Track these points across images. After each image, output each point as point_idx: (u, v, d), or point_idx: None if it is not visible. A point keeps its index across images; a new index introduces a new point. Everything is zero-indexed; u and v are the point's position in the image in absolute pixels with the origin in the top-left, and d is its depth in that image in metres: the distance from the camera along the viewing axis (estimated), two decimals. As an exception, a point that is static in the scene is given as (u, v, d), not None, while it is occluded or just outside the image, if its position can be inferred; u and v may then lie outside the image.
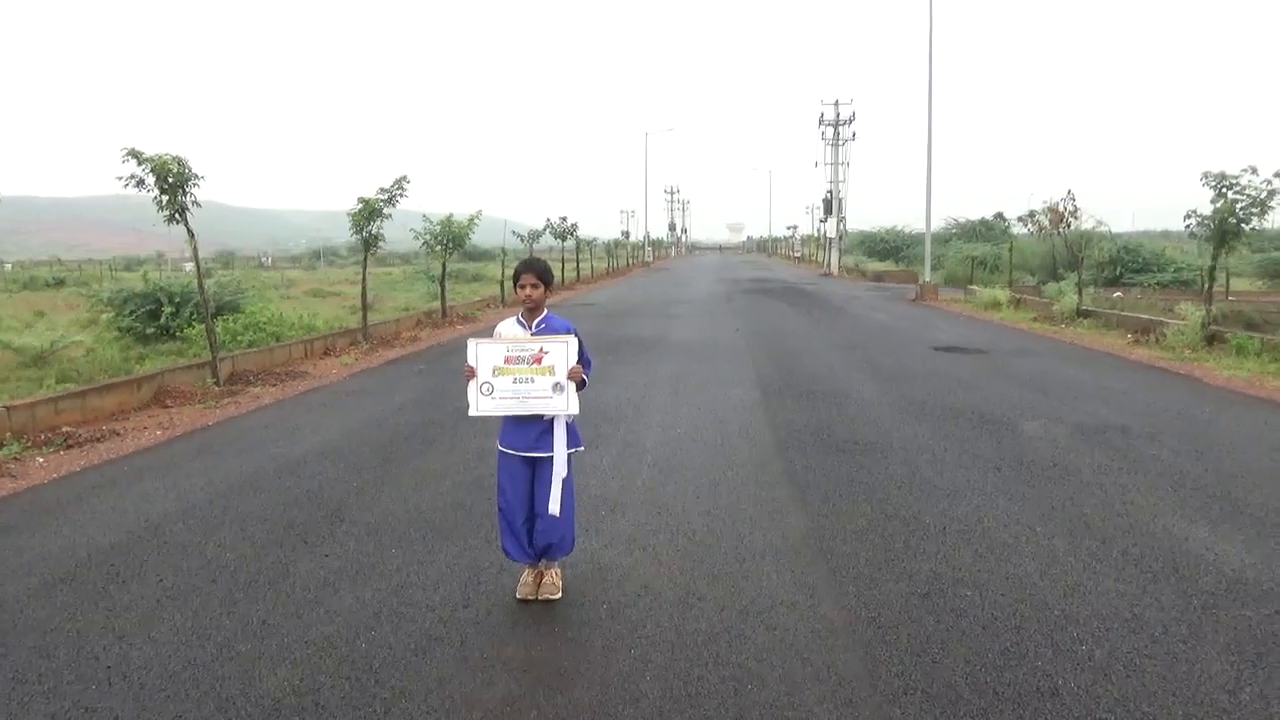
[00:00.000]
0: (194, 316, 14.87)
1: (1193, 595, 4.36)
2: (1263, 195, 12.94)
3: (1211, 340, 13.61)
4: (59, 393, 9.22)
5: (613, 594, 4.45)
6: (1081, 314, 18.69)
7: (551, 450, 4.26)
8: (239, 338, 13.95)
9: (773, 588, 4.51)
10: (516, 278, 4.28)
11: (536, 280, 4.24)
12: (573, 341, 4.19)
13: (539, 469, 4.30)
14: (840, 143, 48.95)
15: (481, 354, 4.14)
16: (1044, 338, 16.58)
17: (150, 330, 15.52)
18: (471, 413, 4.17)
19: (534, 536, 4.30)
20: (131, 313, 15.79)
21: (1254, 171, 13.08)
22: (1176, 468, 6.81)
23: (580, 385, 4.27)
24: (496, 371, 4.12)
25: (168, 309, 15.58)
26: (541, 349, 4.13)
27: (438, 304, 20.93)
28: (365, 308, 16.50)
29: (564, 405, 4.15)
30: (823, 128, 49.23)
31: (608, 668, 3.68)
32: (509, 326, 4.37)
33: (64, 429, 8.51)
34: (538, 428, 4.26)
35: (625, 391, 10.42)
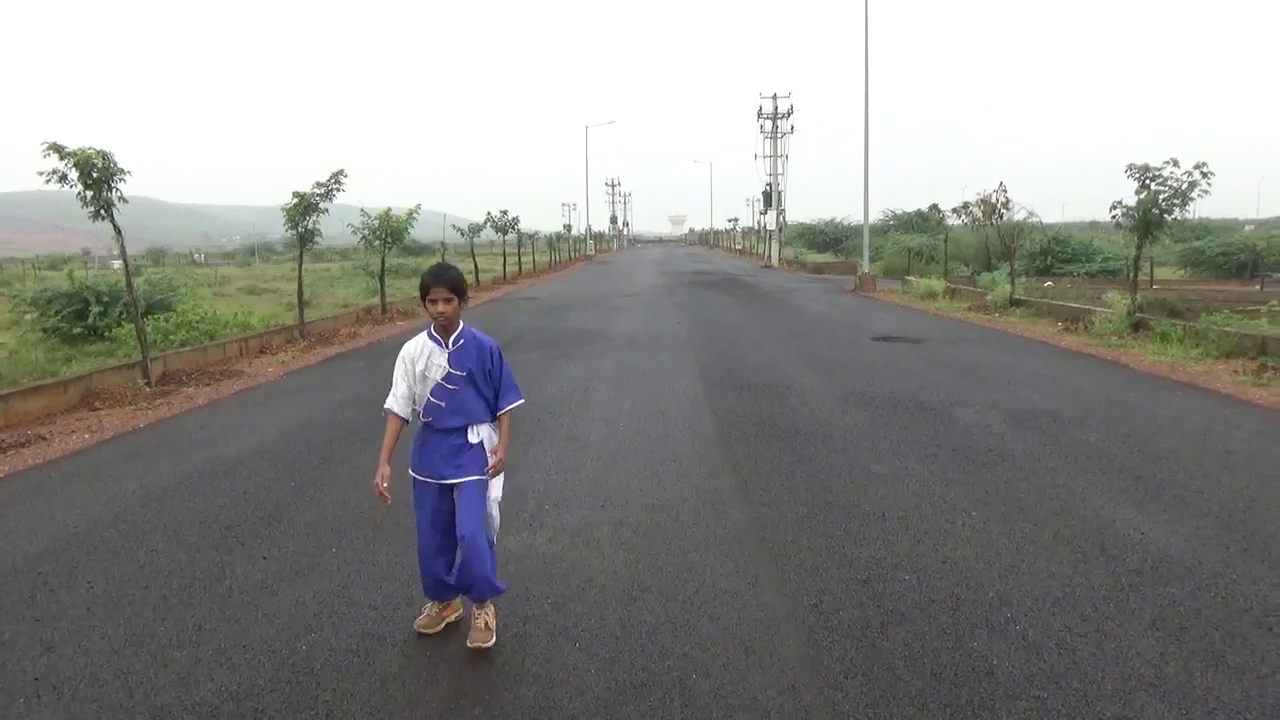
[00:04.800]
0: (123, 316, 14.44)
1: (1121, 574, 4.51)
2: (1183, 186, 13.39)
3: (1137, 327, 14.06)
4: (-21, 396, 8.88)
5: (557, 588, 4.44)
6: (1014, 303, 19.16)
7: (474, 472, 3.79)
8: (171, 337, 13.58)
9: (716, 578, 4.55)
10: (425, 290, 3.68)
11: (449, 293, 3.66)
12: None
13: (461, 495, 3.79)
14: (779, 136, 49.44)
15: None
16: (978, 327, 16.96)
17: (77, 330, 15.03)
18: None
19: (455, 569, 3.86)
20: (57, 313, 15.27)
21: (1175, 164, 13.52)
22: (1105, 451, 7.02)
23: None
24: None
25: (95, 308, 15.10)
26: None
27: (377, 300, 20.65)
28: (302, 304, 16.20)
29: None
30: (761, 121, 49.68)
31: (553, 662, 3.68)
32: (419, 344, 3.84)
33: (-15, 434, 8.20)
34: (456, 447, 3.79)
35: (568, 385, 10.40)
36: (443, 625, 3.97)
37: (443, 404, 3.76)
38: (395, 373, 3.88)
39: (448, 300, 3.67)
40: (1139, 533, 5.11)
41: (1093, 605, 4.13)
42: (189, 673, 3.65)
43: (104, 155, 10.13)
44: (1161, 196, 13.56)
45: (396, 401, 3.87)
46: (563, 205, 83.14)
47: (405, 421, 3.90)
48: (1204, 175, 13.28)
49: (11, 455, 7.63)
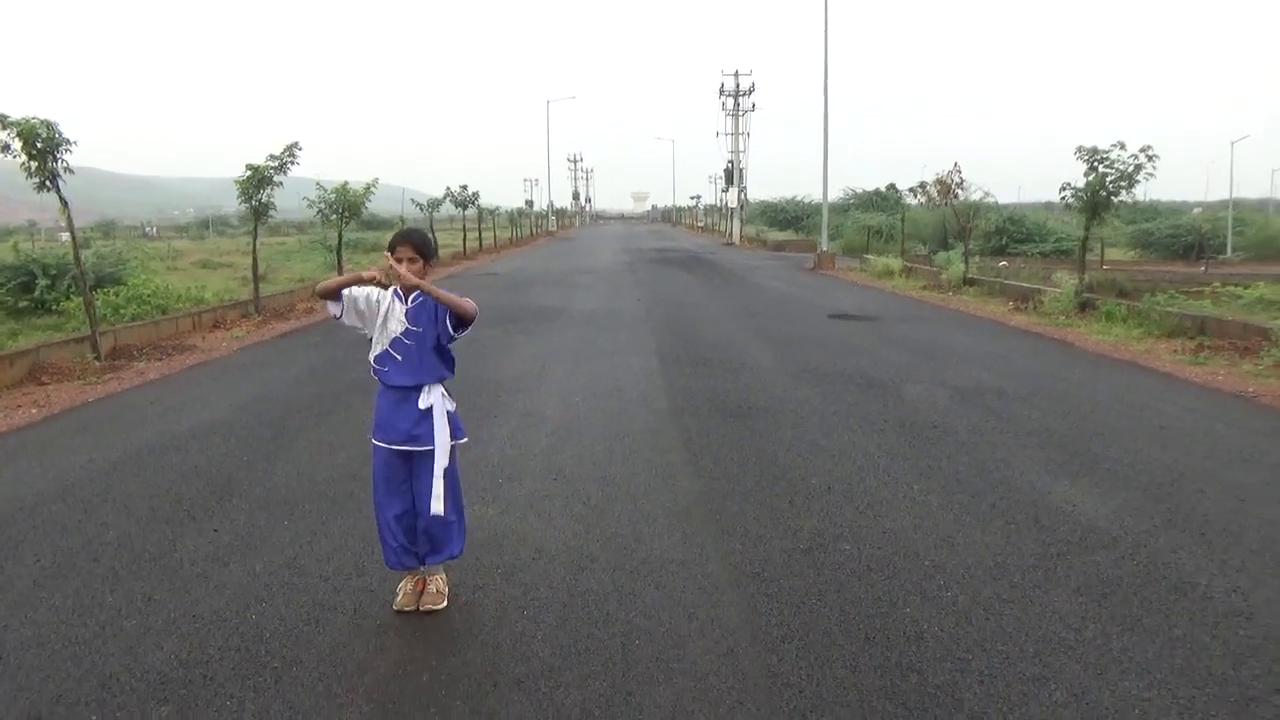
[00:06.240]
0: (71, 289, 14.18)
1: (1050, 544, 4.70)
2: (1130, 169, 13.70)
3: (1084, 307, 14.39)
4: (-78, 370, 8.72)
5: (507, 558, 4.53)
6: (967, 282, 19.48)
7: (430, 443, 3.85)
8: (121, 311, 13.38)
9: (663, 548, 4.66)
10: (391, 249, 3.80)
11: (414, 253, 3.77)
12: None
13: (417, 466, 3.90)
14: (741, 113, 49.47)
15: None
16: (932, 305, 17.24)
17: (23, 304, 14.75)
18: None
19: (417, 538, 3.95)
20: (1, 286, 14.96)
21: (1122, 147, 13.82)
22: (1045, 427, 7.24)
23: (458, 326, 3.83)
24: None
25: (42, 281, 14.83)
26: None
27: (335, 274, 20.44)
28: (256, 279, 16.04)
29: None
30: (723, 98, 49.65)
31: (500, 630, 3.77)
32: (385, 293, 3.93)
33: (-71, 408, 8.07)
34: (413, 415, 3.86)
35: (526, 362, 10.44)
36: (418, 606, 3.93)
37: (399, 358, 3.84)
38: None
39: (412, 260, 3.77)
40: (1071, 505, 5.31)
41: (1021, 573, 4.31)
42: (138, 642, 3.68)
43: (48, 125, 9.93)
44: (1109, 179, 13.86)
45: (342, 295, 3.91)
46: (524, 180, 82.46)
47: (334, 315, 3.95)
48: (1149, 158, 13.59)
49: (-44, 429, 7.52)
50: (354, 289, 3.91)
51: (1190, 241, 31.07)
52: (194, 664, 3.50)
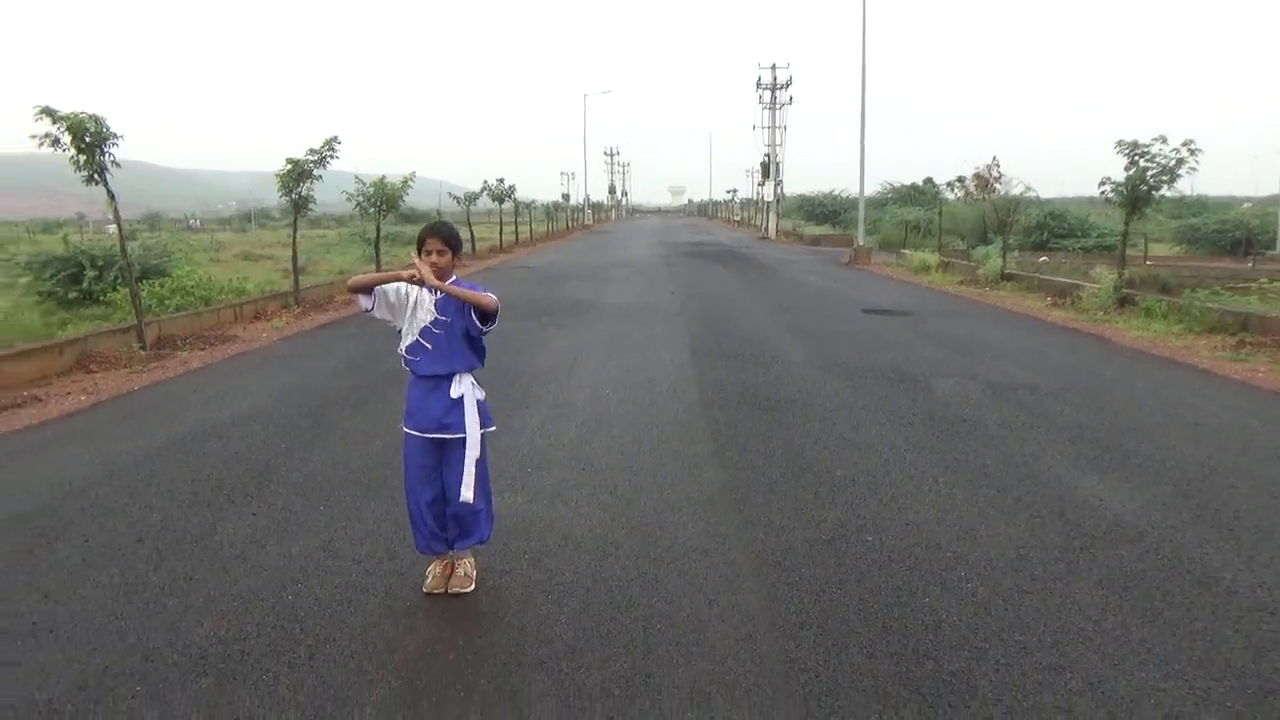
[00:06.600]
0: (118, 280, 14.55)
1: (1074, 537, 4.70)
2: (1171, 163, 13.47)
3: (1123, 303, 14.21)
4: (-23, 358, 9.03)
5: (534, 545, 4.63)
6: (1005, 277, 19.28)
7: (461, 431, 3.96)
8: (166, 302, 13.71)
9: (687, 537, 4.74)
10: (421, 242, 3.94)
11: (443, 245, 3.91)
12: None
13: (447, 453, 4.01)
14: (778, 106, 49.22)
15: None
16: (968, 300, 17.10)
17: (72, 295, 15.16)
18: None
19: (447, 523, 4.07)
20: (51, 276, 15.39)
21: (1164, 141, 13.59)
22: (1077, 422, 7.20)
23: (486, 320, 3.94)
24: None
25: (90, 273, 15.22)
26: None
27: (373, 267, 20.72)
28: (296, 271, 16.33)
29: None
30: (760, 91, 49.43)
31: (525, 612, 3.88)
32: (415, 287, 3.97)
33: (-17, 394, 8.36)
34: (444, 404, 3.97)
35: (558, 354, 10.56)
36: (446, 588, 4.07)
37: (429, 347, 3.95)
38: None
39: (441, 252, 3.91)
40: (1098, 499, 5.30)
41: (1044, 566, 4.33)
42: (179, 619, 3.84)
43: (96, 119, 10.20)
44: (1149, 173, 13.64)
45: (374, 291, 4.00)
46: (561, 174, 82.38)
47: (365, 309, 4.03)
48: (1191, 152, 13.35)
49: (9, 416, 7.80)
50: (387, 285, 4.02)
51: (1238, 237, 30.48)
52: (232, 640, 3.65)
